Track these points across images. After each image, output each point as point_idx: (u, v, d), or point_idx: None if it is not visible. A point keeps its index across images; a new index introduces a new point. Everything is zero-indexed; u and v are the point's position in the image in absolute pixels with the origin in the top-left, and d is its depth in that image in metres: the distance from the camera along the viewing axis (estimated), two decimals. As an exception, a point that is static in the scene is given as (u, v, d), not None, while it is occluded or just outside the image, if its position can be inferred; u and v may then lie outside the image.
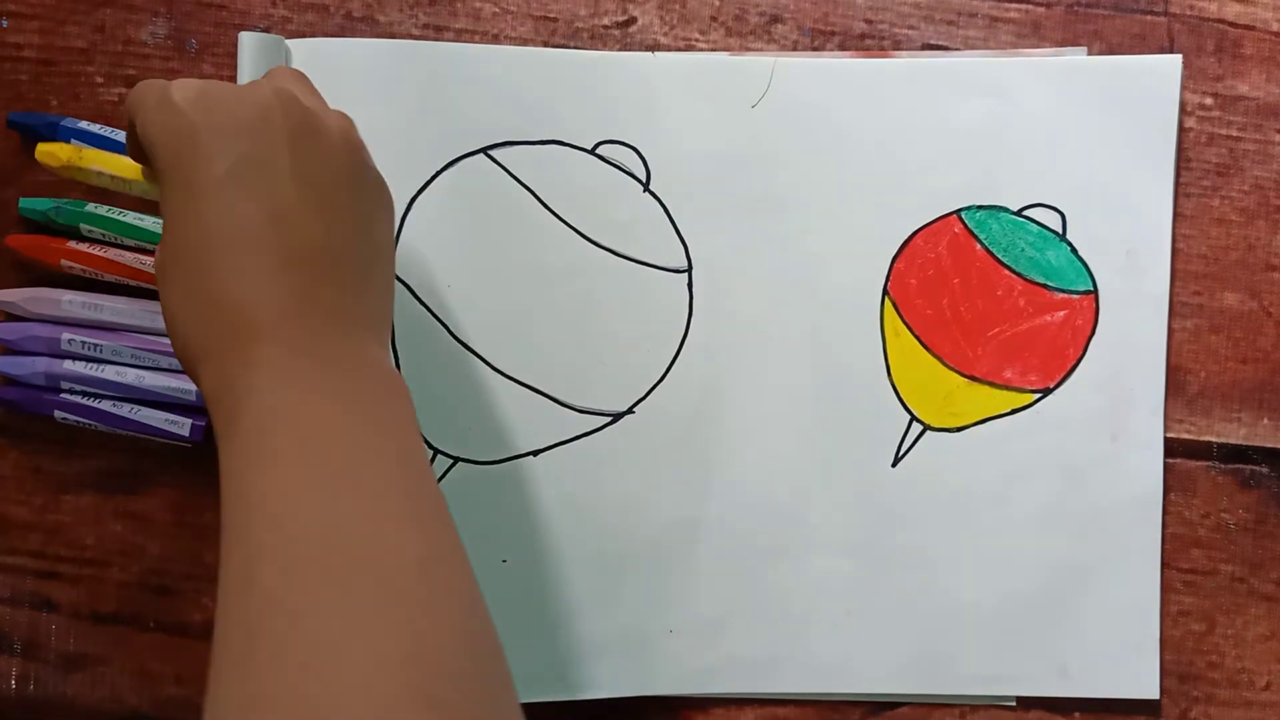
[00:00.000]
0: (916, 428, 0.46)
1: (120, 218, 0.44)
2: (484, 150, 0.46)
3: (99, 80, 0.46)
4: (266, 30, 0.46)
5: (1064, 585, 0.46)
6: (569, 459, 0.46)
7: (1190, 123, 0.47)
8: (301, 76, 0.38)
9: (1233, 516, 0.47)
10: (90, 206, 0.44)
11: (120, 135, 0.44)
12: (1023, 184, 0.46)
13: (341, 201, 0.34)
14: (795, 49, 0.47)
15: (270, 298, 0.31)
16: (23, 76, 0.46)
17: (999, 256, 0.46)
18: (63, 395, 0.44)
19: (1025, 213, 0.46)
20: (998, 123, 0.46)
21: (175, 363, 0.44)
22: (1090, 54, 0.47)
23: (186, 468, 0.46)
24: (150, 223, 0.44)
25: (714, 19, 0.47)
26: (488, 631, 0.29)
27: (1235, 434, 0.47)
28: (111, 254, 0.44)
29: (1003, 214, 0.46)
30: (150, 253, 0.44)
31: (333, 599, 0.26)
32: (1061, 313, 0.46)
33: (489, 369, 0.46)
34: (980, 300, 0.46)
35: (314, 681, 0.25)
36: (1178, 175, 0.47)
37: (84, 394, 0.44)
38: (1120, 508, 0.46)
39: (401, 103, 0.45)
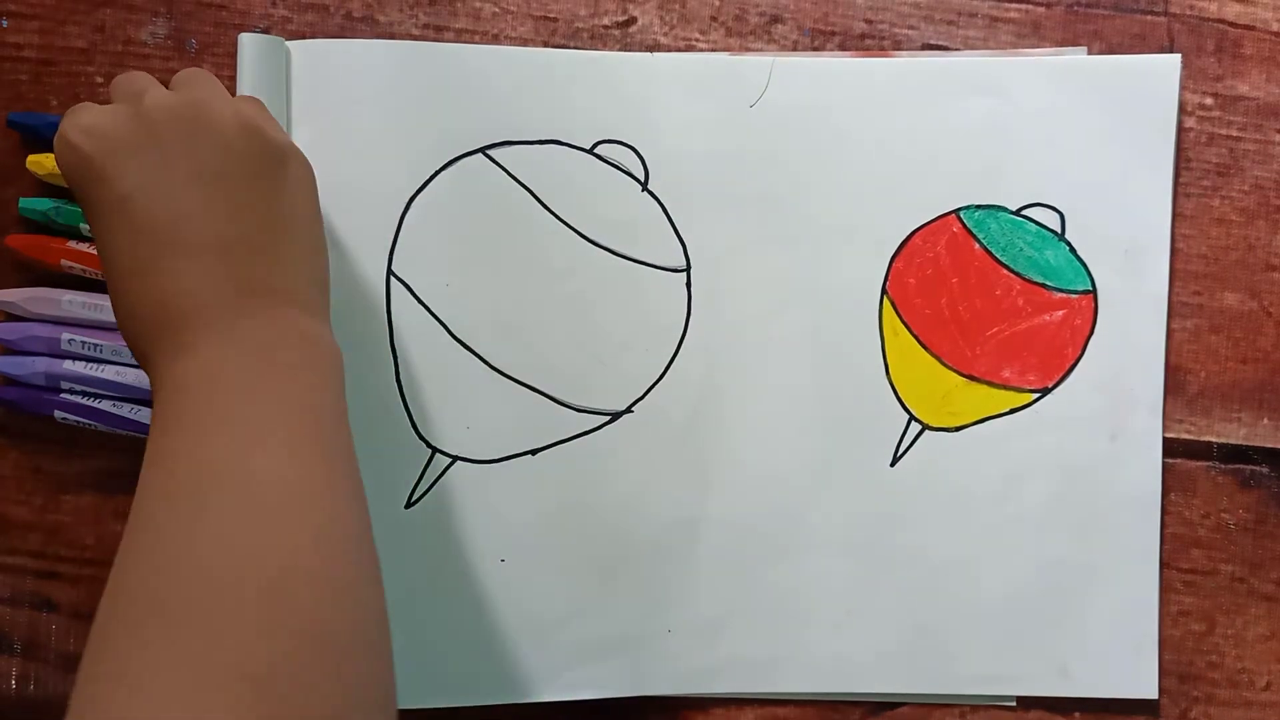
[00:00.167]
0: (915, 427, 0.46)
1: (120, 217, 0.44)
2: (483, 150, 0.46)
3: (99, 80, 0.46)
4: (266, 30, 0.46)
5: (1063, 585, 0.46)
6: (568, 458, 0.46)
7: (1190, 123, 0.47)
8: (199, 74, 0.39)
9: (1233, 516, 0.47)
10: (90, 206, 0.44)
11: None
12: (1022, 183, 0.46)
13: (244, 185, 0.36)
14: (795, 49, 0.47)
15: (185, 292, 0.34)
16: (23, 76, 0.46)
17: (998, 256, 0.46)
18: (63, 395, 0.44)
19: (1024, 212, 0.46)
20: (997, 122, 0.46)
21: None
22: (1090, 54, 0.47)
23: (186, 467, 0.46)
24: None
25: (714, 19, 0.47)
26: (346, 552, 0.31)
27: (1235, 434, 0.47)
28: (111, 254, 0.44)
29: (1002, 213, 0.46)
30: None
31: (191, 512, 0.30)
32: (1060, 312, 0.46)
33: (488, 368, 0.46)
34: (979, 300, 0.46)
35: (162, 577, 0.29)
36: (1177, 175, 0.47)
37: (84, 394, 0.44)
38: (1120, 507, 0.46)
39: (401, 103, 0.45)
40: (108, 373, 0.44)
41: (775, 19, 0.47)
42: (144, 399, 0.45)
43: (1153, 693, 0.46)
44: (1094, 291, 0.46)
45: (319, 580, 0.30)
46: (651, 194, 0.46)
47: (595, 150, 0.46)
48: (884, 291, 0.46)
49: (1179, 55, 0.46)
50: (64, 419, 0.45)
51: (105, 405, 0.44)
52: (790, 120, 0.46)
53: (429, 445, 0.46)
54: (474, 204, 0.46)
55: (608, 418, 0.46)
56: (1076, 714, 0.47)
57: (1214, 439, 0.47)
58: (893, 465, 0.46)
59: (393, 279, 0.45)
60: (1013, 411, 0.46)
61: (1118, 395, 0.46)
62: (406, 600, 0.45)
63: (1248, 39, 0.47)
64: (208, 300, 0.34)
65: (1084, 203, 0.46)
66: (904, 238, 0.46)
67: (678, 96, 0.46)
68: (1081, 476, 0.46)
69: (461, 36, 0.47)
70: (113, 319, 0.44)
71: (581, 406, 0.46)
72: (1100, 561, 0.46)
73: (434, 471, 0.46)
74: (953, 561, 0.46)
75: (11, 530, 0.46)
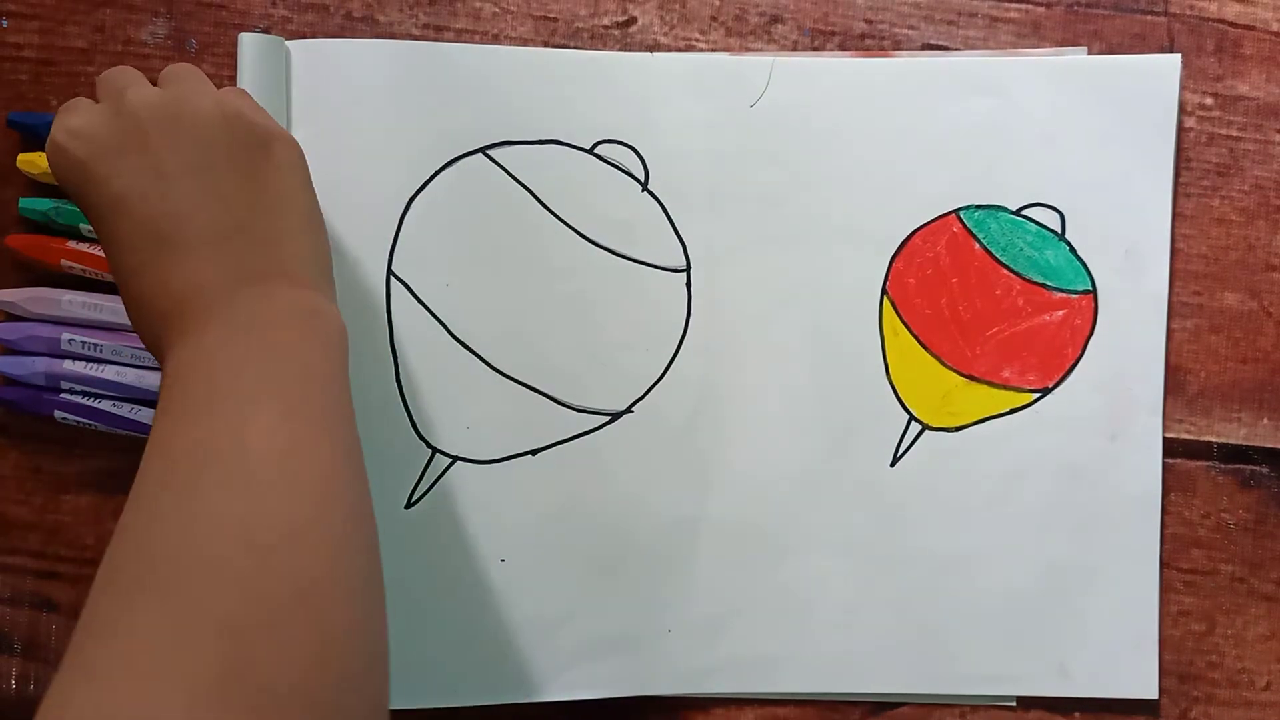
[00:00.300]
0: (915, 427, 0.46)
1: (120, 218, 0.44)
2: (483, 150, 0.46)
3: (99, 80, 0.46)
4: (266, 30, 0.46)
5: (1063, 585, 0.46)
6: (568, 458, 0.46)
7: (1190, 123, 0.47)
8: (184, 69, 0.39)
9: (1233, 516, 0.47)
10: (90, 206, 0.44)
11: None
12: (1022, 183, 0.46)
13: (232, 174, 0.37)
14: (795, 49, 0.47)
15: (186, 283, 0.35)
16: (23, 76, 0.46)
17: (997, 256, 0.46)
18: (63, 395, 0.44)
19: (1024, 212, 0.46)
20: (997, 122, 0.46)
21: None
22: (1090, 54, 0.47)
23: (186, 467, 0.46)
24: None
25: (714, 19, 0.47)
26: (337, 512, 0.32)
27: (1235, 434, 0.47)
28: (111, 254, 0.44)
29: (1001, 213, 0.46)
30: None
31: (186, 490, 0.30)
32: (1060, 312, 0.46)
33: (488, 368, 0.46)
34: (979, 300, 0.46)
35: (153, 548, 0.29)
36: (1177, 175, 0.47)
37: (84, 394, 0.44)
38: (1119, 507, 0.46)
39: (401, 103, 0.45)
40: (108, 373, 0.44)
41: (775, 19, 0.47)
42: (144, 399, 0.45)
43: (1153, 693, 0.46)
44: (1094, 291, 0.46)
45: (308, 542, 0.30)
46: (651, 194, 0.46)
47: (595, 150, 0.46)
48: (884, 291, 0.46)
49: (1179, 55, 0.46)
50: (64, 419, 0.45)
51: (105, 405, 0.44)
52: (790, 120, 0.46)
53: (429, 445, 0.46)
54: (474, 204, 0.46)
55: (608, 418, 0.46)
56: (1076, 714, 0.47)
57: (1214, 439, 0.47)
58: (893, 465, 0.46)
59: (393, 279, 0.45)
60: (1013, 411, 0.46)
61: (1118, 395, 0.46)
62: (406, 600, 0.45)
63: (1248, 39, 0.47)
64: (207, 288, 0.35)
65: (1084, 203, 0.46)
66: (904, 238, 0.46)
67: (678, 96, 0.46)
68: (1081, 476, 0.46)
69: (461, 36, 0.47)
70: (113, 319, 0.44)
71: (581, 407, 0.46)
72: (1100, 561, 0.46)
73: (434, 472, 0.46)
74: (953, 561, 0.46)
75: (11, 530, 0.46)
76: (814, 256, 0.46)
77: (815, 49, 0.47)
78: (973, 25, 0.47)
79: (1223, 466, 0.47)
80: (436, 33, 0.47)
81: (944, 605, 0.46)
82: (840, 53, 0.47)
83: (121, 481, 0.46)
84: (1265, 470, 0.47)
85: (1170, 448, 0.47)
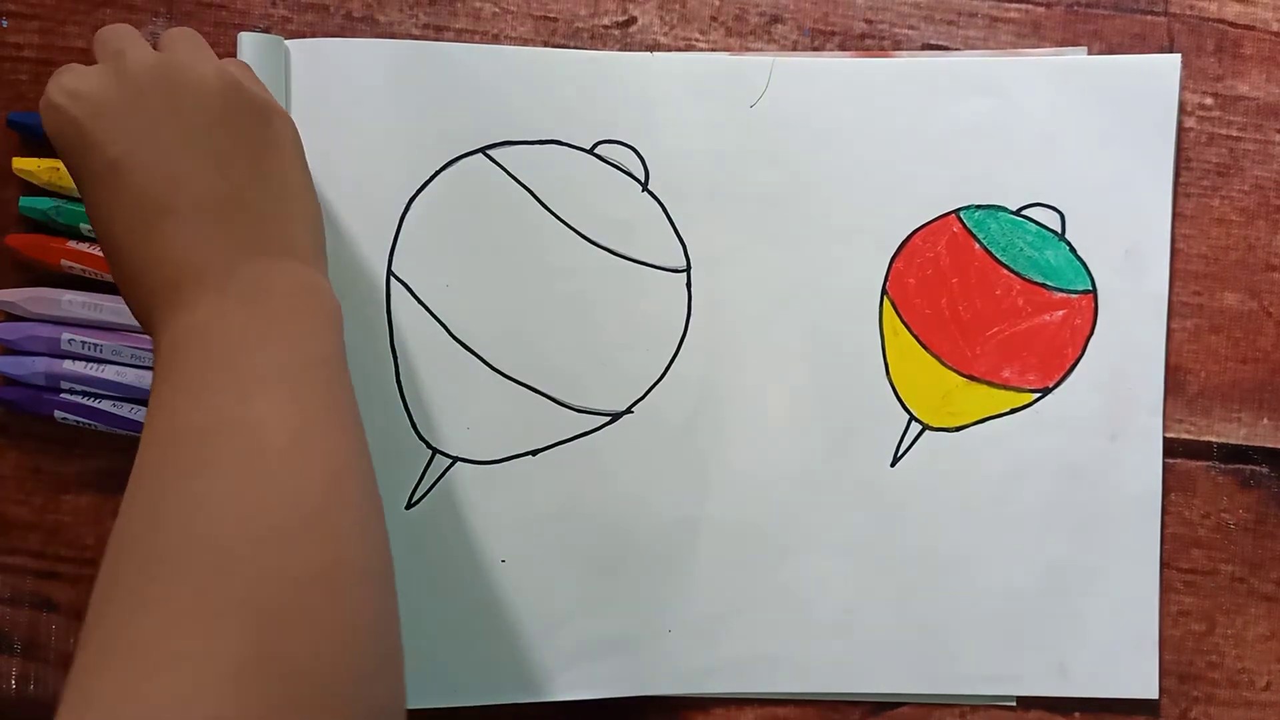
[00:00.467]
0: (915, 427, 0.46)
1: (120, 218, 0.44)
2: (483, 150, 0.46)
3: (99, 80, 0.46)
4: (266, 30, 0.46)
5: (1063, 585, 0.46)
6: (568, 459, 0.46)
7: (1190, 123, 0.47)
8: (185, 34, 0.39)
9: (1233, 516, 0.47)
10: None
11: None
12: (1022, 183, 0.46)
13: (231, 143, 0.36)
14: (795, 49, 0.47)
15: (182, 252, 0.34)
16: (23, 76, 0.46)
17: (998, 256, 0.46)
18: (63, 395, 0.44)
19: (1024, 212, 0.46)
20: (997, 122, 0.46)
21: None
22: (1090, 54, 0.47)
23: (186, 467, 0.46)
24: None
25: (714, 19, 0.47)
26: (350, 493, 0.32)
27: (1235, 434, 0.47)
28: (111, 254, 0.44)
29: (1001, 213, 0.46)
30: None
31: (195, 464, 0.30)
32: (1060, 312, 0.46)
33: (488, 369, 0.46)
34: (979, 300, 0.46)
35: (168, 528, 0.29)
36: (1177, 175, 0.47)
37: (84, 394, 0.44)
38: (1119, 507, 0.46)
39: (401, 103, 0.45)
40: (108, 373, 0.44)
41: (775, 19, 0.47)
42: (144, 399, 0.45)
43: (1153, 693, 0.46)
44: (1094, 291, 0.46)
45: (323, 523, 0.30)
46: (651, 194, 0.46)
47: (595, 150, 0.46)
48: (884, 291, 0.46)
49: (1179, 55, 0.46)
50: (64, 419, 0.45)
51: (105, 405, 0.44)
52: (790, 120, 0.46)
53: (429, 446, 0.46)
54: (474, 204, 0.46)
55: (608, 418, 0.46)
56: (1076, 714, 0.47)
57: (1214, 439, 0.47)
58: (893, 465, 0.46)
59: (393, 279, 0.45)
60: (1013, 411, 0.46)
61: (1118, 395, 0.46)
62: (407, 600, 0.45)
63: (1248, 39, 0.47)
64: (204, 258, 0.34)
65: (1084, 203, 0.46)
66: (904, 238, 0.46)
67: (678, 96, 0.46)
68: (1081, 476, 0.46)
69: (461, 36, 0.47)
70: (113, 319, 0.44)
71: (581, 407, 0.46)
72: (1100, 561, 0.46)
73: (434, 472, 0.46)
74: (953, 561, 0.46)
75: (11, 530, 0.46)
76: (814, 256, 0.46)
77: (815, 49, 0.47)
78: (973, 25, 0.47)
79: (1223, 466, 0.47)
80: (436, 33, 0.47)
81: (944, 605, 0.46)
82: (840, 53, 0.47)
83: (121, 481, 0.45)
84: (1265, 470, 0.47)
85: (1170, 448, 0.47)
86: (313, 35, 0.46)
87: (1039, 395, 0.46)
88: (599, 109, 0.46)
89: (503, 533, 0.46)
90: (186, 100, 0.36)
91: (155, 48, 0.38)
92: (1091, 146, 0.46)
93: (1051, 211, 0.46)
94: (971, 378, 0.46)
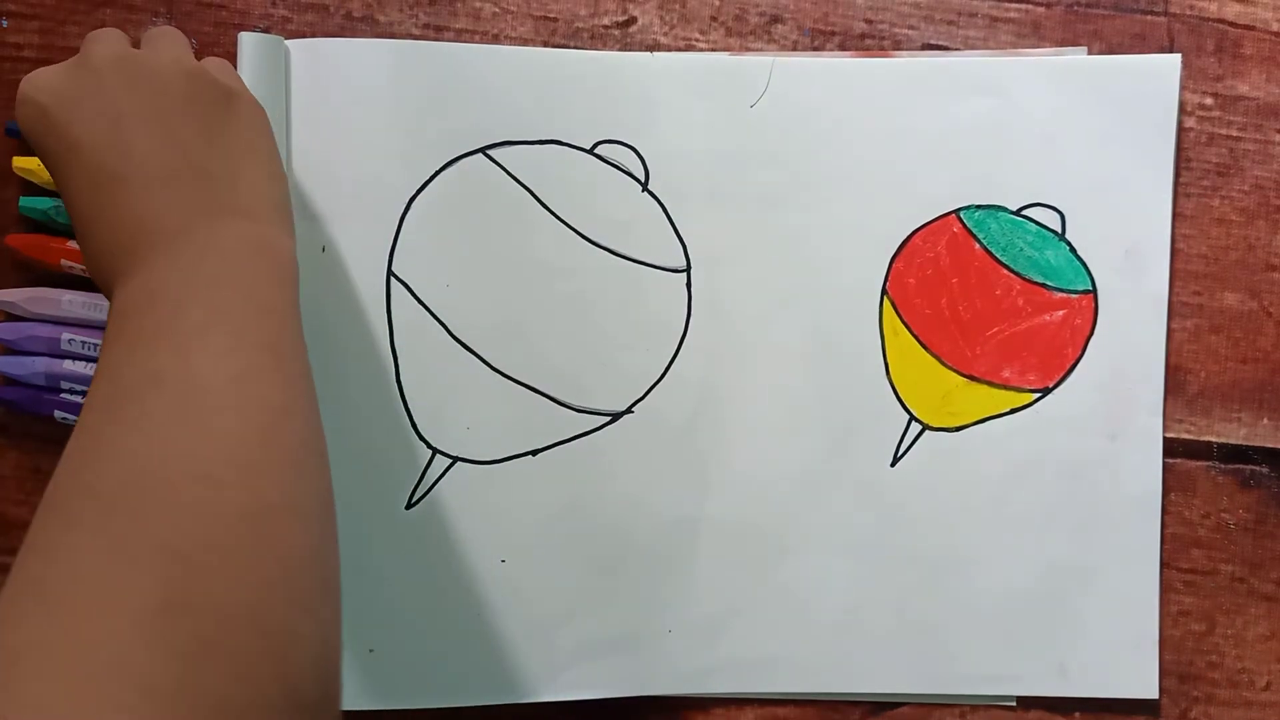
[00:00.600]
0: (915, 427, 0.46)
1: (120, 218, 0.44)
2: (483, 150, 0.46)
3: (99, 80, 0.46)
4: (266, 30, 0.46)
5: (1063, 585, 0.46)
6: (568, 459, 0.46)
7: (1190, 123, 0.47)
8: (164, 32, 0.41)
9: (1233, 516, 0.47)
10: (90, 206, 0.44)
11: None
12: (1022, 183, 0.46)
13: (188, 122, 0.37)
14: (795, 49, 0.47)
15: (135, 220, 0.36)
16: (23, 76, 0.46)
17: (998, 256, 0.46)
18: (63, 395, 0.44)
19: (1024, 212, 0.46)
20: (997, 122, 0.46)
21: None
22: (1090, 54, 0.47)
23: (186, 467, 0.46)
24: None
25: (714, 19, 0.47)
26: (287, 435, 0.32)
27: (1235, 434, 0.47)
28: (111, 254, 0.44)
29: (1002, 213, 0.46)
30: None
31: (132, 416, 0.31)
32: (1060, 312, 0.46)
33: (488, 369, 0.46)
34: (979, 300, 0.46)
35: (98, 472, 0.30)
36: (1177, 175, 0.47)
37: (84, 394, 0.44)
38: (1119, 507, 0.46)
39: (401, 103, 0.45)
40: (108, 373, 0.44)
41: (775, 19, 0.47)
42: (144, 399, 0.45)
43: (1153, 693, 0.46)
44: (1094, 291, 0.46)
45: (256, 464, 0.31)
46: (651, 194, 0.46)
47: (595, 150, 0.46)
48: (884, 291, 0.46)
49: (1179, 55, 0.46)
50: (64, 419, 0.45)
51: (105, 405, 0.44)
52: (790, 120, 0.46)
53: (429, 446, 0.46)
54: (474, 204, 0.46)
55: (608, 418, 0.46)
56: (1076, 714, 0.47)
57: (1214, 439, 0.47)
58: (893, 465, 0.46)
59: (393, 279, 0.45)
60: (1013, 411, 0.46)
61: (1118, 395, 0.46)
62: (407, 600, 0.45)
63: (1248, 39, 0.47)
64: (158, 222, 0.35)
65: (1084, 203, 0.46)
66: (904, 238, 0.46)
67: (678, 96, 0.46)
68: (1081, 476, 0.46)
69: (461, 36, 0.47)
70: (113, 319, 0.44)
71: (581, 407, 0.46)
72: (1100, 561, 0.46)
73: (434, 472, 0.46)
74: (953, 561, 0.46)
75: (11, 530, 0.46)
76: (814, 256, 0.46)
77: (815, 49, 0.47)
78: (973, 25, 0.47)
79: (1223, 466, 0.47)
80: (436, 33, 0.47)
81: (944, 605, 0.46)
82: (840, 53, 0.47)
83: (121, 481, 0.46)
84: (1265, 470, 0.47)
85: (1170, 448, 0.47)
86: (313, 35, 0.46)
87: (1039, 395, 0.46)
88: (599, 109, 0.46)
89: (503, 533, 0.46)
90: (143, 85, 0.37)
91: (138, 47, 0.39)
92: (1091, 146, 0.46)
93: (1051, 211, 0.46)
94: (971, 378, 0.46)
